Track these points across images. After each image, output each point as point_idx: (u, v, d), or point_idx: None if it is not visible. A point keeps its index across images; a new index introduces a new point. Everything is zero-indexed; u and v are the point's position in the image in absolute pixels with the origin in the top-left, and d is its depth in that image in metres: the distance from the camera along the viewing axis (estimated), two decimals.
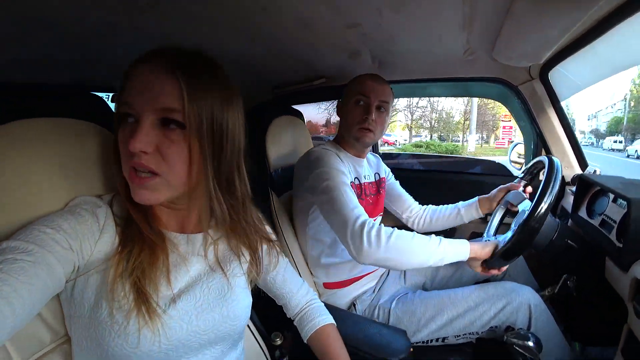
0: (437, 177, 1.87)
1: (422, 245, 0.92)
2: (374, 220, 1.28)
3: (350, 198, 1.00)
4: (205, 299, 0.62)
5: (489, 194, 1.30)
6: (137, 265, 0.54)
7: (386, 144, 16.89)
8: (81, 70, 1.27)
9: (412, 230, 1.23)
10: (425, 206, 1.44)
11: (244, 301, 0.69)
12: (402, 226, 1.34)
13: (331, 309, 0.93)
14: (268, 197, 1.23)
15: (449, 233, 1.74)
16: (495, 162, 2.68)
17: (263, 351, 0.92)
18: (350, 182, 1.14)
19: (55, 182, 0.59)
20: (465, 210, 1.33)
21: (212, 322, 0.62)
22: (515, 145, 1.76)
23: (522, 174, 1.27)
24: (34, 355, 0.56)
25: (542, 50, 1.03)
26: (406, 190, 1.47)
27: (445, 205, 1.40)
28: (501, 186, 1.27)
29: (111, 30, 0.93)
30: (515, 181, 1.26)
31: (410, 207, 1.44)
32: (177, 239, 0.64)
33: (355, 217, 0.95)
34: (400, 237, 0.91)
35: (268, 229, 0.81)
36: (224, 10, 0.85)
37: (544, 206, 0.87)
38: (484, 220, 1.65)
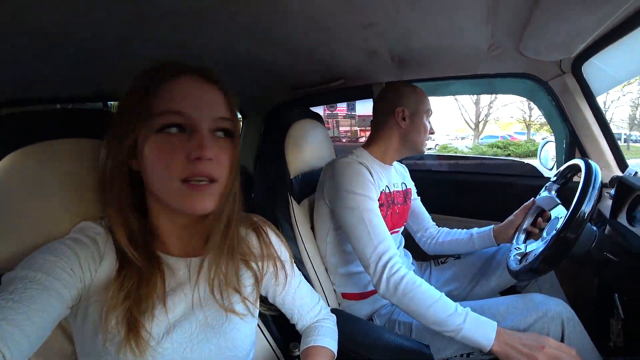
0: (460, 179, 1.79)
1: (439, 313, 0.88)
2: (395, 232, 1.25)
3: (378, 230, 0.99)
4: (202, 330, 0.60)
5: (504, 222, 1.23)
6: (130, 294, 0.53)
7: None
8: (100, 82, 1.31)
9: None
10: (439, 228, 1.42)
11: (245, 329, 0.66)
12: None
13: (350, 318, 0.89)
14: (287, 204, 1.21)
15: None
16: (524, 162, 2.56)
17: None
18: (381, 192, 1.13)
19: (67, 203, 0.60)
20: (479, 238, 1.28)
21: (208, 353, 0.59)
22: (545, 144, 1.66)
23: (555, 177, 1.18)
24: None
25: (574, 42, 0.95)
26: (428, 192, 1.42)
27: (460, 230, 1.36)
28: (516, 211, 1.21)
29: (126, 43, 0.94)
30: (547, 184, 1.17)
31: (426, 227, 1.42)
32: (177, 264, 0.61)
33: (380, 254, 0.96)
34: (418, 297, 0.91)
35: (282, 248, 0.78)
36: (237, 15, 0.84)
37: (581, 215, 0.79)
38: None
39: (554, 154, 1.57)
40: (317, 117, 1.51)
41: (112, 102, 1.79)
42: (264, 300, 0.77)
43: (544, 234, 0.93)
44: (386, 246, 0.97)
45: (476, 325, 0.86)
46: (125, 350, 0.51)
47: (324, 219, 1.16)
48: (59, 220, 0.59)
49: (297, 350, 0.88)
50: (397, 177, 1.30)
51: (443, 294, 0.92)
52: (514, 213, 1.21)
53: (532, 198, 1.20)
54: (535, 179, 1.53)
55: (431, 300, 0.90)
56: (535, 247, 0.93)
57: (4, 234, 0.55)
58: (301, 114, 1.42)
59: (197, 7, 0.77)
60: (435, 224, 1.44)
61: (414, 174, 1.45)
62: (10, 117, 0.60)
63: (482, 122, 17.11)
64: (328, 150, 1.48)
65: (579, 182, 0.89)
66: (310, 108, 1.53)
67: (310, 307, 0.83)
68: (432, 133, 1.23)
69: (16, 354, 0.40)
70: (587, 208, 0.80)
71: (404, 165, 1.44)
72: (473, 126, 17.05)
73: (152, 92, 0.53)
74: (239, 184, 0.62)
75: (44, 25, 0.76)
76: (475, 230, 1.31)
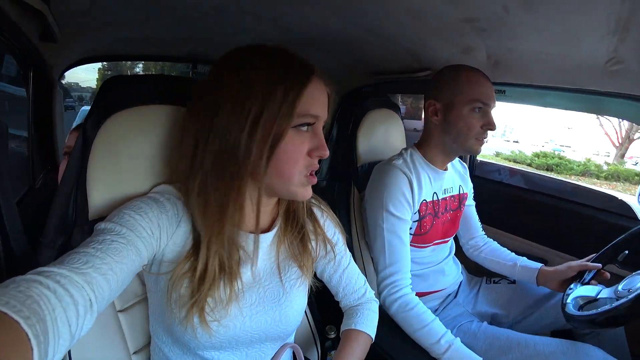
0: (536, 199, 1.63)
1: (423, 339, 0.93)
2: (446, 241, 1.20)
3: (393, 251, 1.02)
4: (261, 301, 0.66)
5: (554, 269, 1.11)
6: (198, 266, 0.58)
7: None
8: (195, 45, 1.40)
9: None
10: (486, 240, 1.35)
11: (298, 305, 0.72)
12: None
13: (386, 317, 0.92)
14: (348, 191, 1.21)
15: None
16: (617, 198, 2.24)
17: (315, 340, 0.94)
18: (424, 202, 1.08)
19: (161, 164, 0.67)
20: (522, 270, 1.20)
21: (264, 324, 0.66)
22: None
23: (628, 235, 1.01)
24: (129, 302, 0.69)
25: None
26: (495, 207, 1.32)
27: (505, 253, 1.29)
28: (575, 265, 1.06)
29: (222, 12, 0.98)
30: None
31: (474, 237, 1.34)
32: (247, 239, 0.66)
33: (388, 274, 1.02)
34: (407, 320, 0.97)
35: (337, 230, 0.81)
36: None
37: None
38: None
39: None
40: (394, 106, 1.47)
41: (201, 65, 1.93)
42: (313, 274, 0.81)
43: (620, 287, 0.82)
44: (396, 269, 1.02)
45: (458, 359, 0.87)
46: (187, 321, 0.58)
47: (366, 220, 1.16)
48: (144, 179, 0.66)
49: (332, 332, 0.93)
50: (452, 180, 1.21)
51: (437, 319, 0.93)
52: (570, 265, 1.07)
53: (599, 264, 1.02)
54: (624, 218, 1.34)
55: (419, 326, 0.94)
56: (606, 295, 0.83)
57: (102, 187, 0.63)
58: (379, 102, 1.39)
59: None
60: (484, 234, 1.36)
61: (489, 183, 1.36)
62: (114, 81, 0.67)
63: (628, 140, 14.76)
64: (400, 142, 1.44)
65: None
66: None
67: (355, 289, 0.86)
68: (491, 129, 1.03)
69: (100, 298, 0.44)
70: None
71: (464, 165, 1.33)
72: (617, 144, 15.04)
73: (300, 91, 0.56)
74: None
75: None
76: (521, 260, 1.21)
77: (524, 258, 1.23)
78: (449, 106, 1.04)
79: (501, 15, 0.81)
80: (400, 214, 1.02)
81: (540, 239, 1.54)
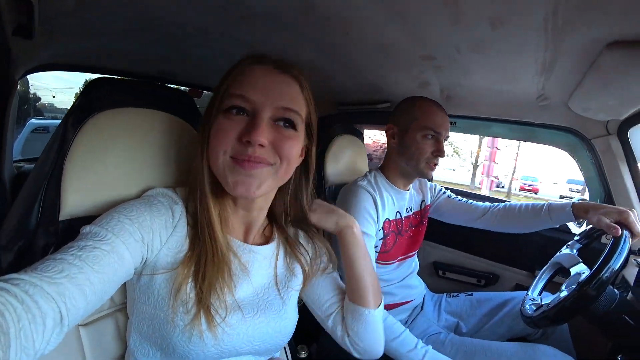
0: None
1: (399, 348, 0.94)
2: (410, 257, 1.28)
3: None
4: (262, 313, 0.65)
5: (592, 203, 1.10)
6: (202, 271, 0.57)
7: None
8: (171, 65, 1.41)
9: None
10: (500, 204, 1.31)
11: (294, 318, 0.72)
12: None
13: None
14: None
15: (492, 279, 1.66)
16: None
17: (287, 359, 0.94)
18: (387, 220, 1.14)
19: (143, 166, 0.66)
20: (556, 210, 1.15)
21: (266, 335, 0.65)
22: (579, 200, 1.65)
23: (578, 237, 1.16)
24: (91, 317, 0.63)
25: (625, 106, 0.98)
26: (449, 228, 1.42)
27: (527, 203, 1.26)
28: (609, 208, 1.01)
29: (203, 34, 1.03)
30: (569, 242, 1.14)
31: (479, 215, 1.31)
32: (240, 248, 0.65)
33: None
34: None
35: (323, 250, 0.81)
36: (310, 27, 0.90)
37: (605, 274, 0.81)
38: (532, 274, 1.56)
39: None
40: (357, 133, 1.58)
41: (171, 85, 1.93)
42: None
43: (563, 287, 0.95)
44: None
45: None
46: (194, 325, 0.55)
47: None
48: (129, 181, 0.65)
49: (304, 352, 0.94)
50: (414, 198, 1.29)
51: (407, 330, 0.97)
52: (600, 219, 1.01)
53: (573, 239, 1.13)
54: (561, 232, 1.52)
55: (393, 335, 0.95)
56: (552, 299, 0.94)
57: (79, 187, 0.59)
58: (344, 129, 1.49)
59: (276, 14, 0.84)
60: (487, 203, 1.34)
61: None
62: (99, 82, 0.66)
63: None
64: (363, 167, 1.54)
65: (603, 245, 0.91)
66: None
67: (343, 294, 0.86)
68: (440, 155, 1.11)
69: (72, 311, 0.41)
70: (613, 267, 0.82)
71: (424, 180, 1.38)
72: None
73: (229, 78, 0.58)
74: (305, 184, 0.70)
75: (141, 3, 0.84)
76: (549, 202, 1.20)
77: (549, 202, 1.21)
78: (405, 131, 1.13)
79: (454, 55, 0.95)
80: (365, 230, 1.07)
81: (491, 256, 1.68)
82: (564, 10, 0.60)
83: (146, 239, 0.54)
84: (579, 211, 1.10)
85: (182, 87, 1.91)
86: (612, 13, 0.59)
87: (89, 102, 0.62)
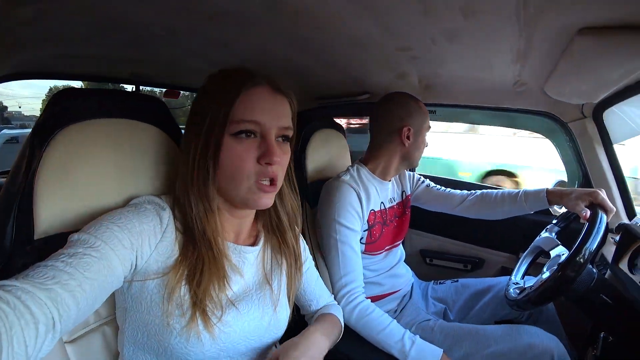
0: None
1: (388, 339, 0.96)
2: (396, 246, 1.29)
3: (347, 262, 1.07)
4: (257, 308, 0.67)
5: (564, 189, 1.14)
6: (197, 274, 0.58)
7: None
8: (144, 67, 1.37)
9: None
10: (477, 191, 1.34)
11: (286, 311, 0.75)
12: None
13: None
14: (302, 208, 1.26)
15: (478, 264, 1.69)
16: None
17: None
18: (372, 211, 1.16)
19: (119, 177, 0.65)
20: (531, 197, 1.19)
21: (261, 329, 0.67)
22: (557, 183, 1.68)
23: (556, 220, 1.19)
24: (77, 333, 0.62)
25: (598, 90, 0.99)
26: (433, 214, 1.44)
27: (504, 190, 1.30)
28: (580, 191, 1.06)
29: (172, 35, 0.99)
30: (548, 226, 1.18)
31: (458, 203, 1.35)
32: (233, 251, 0.68)
33: (344, 284, 1.06)
34: (370, 323, 1.00)
35: (304, 244, 0.86)
36: (281, 22, 0.88)
37: (584, 255, 0.83)
38: (516, 257, 1.60)
39: None
40: (339, 127, 1.56)
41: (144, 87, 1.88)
42: None
43: (544, 269, 0.96)
44: (351, 278, 1.06)
45: (421, 352, 0.93)
46: (191, 327, 0.56)
47: (321, 234, 1.21)
48: (105, 194, 0.63)
49: None
50: (395, 189, 1.32)
51: (394, 320, 1.00)
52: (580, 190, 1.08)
53: (551, 223, 1.19)
54: (544, 215, 1.55)
55: (381, 327, 0.98)
56: (534, 282, 0.96)
57: (53, 204, 0.58)
58: (324, 123, 1.48)
59: (243, 11, 0.82)
60: (465, 191, 1.38)
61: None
62: (66, 93, 0.64)
63: None
64: (345, 162, 1.53)
65: (581, 226, 0.93)
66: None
67: (327, 295, 0.93)
68: (426, 146, 1.25)
69: (65, 317, 0.41)
70: (590, 248, 0.84)
71: (403, 171, 1.39)
72: None
73: (231, 100, 0.59)
74: (289, 182, 0.74)
75: (103, 7, 0.80)
76: (525, 189, 1.24)
77: (524, 189, 1.25)
78: (419, 131, 1.19)
79: (429, 46, 0.94)
80: (351, 225, 1.09)
81: (476, 241, 1.71)
82: None
83: (135, 245, 0.54)
84: (553, 197, 1.15)
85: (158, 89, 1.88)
86: (581, 0, 0.59)
87: (56, 116, 0.60)
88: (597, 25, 0.67)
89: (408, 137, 1.18)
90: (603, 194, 1.01)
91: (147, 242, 0.56)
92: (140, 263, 0.55)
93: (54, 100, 0.61)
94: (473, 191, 1.35)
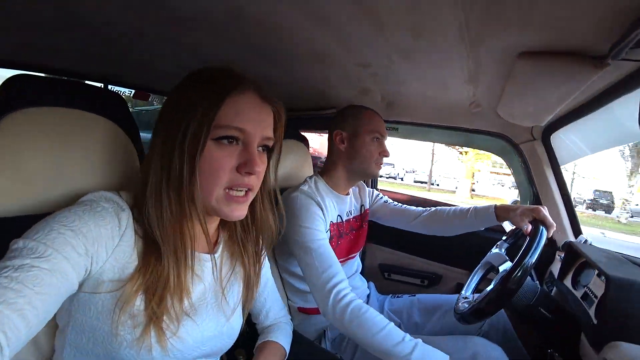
0: None
1: (386, 341, 0.87)
2: (351, 258, 1.29)
3: (324, 258, 1.02)
4: (210, 317, 0.65)
5: (511, 205, 1.18)
6: (158, 289, 0.55)
7: None
8: (107, 65, 1.34)
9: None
10: (431, 208, 1.37)
11: (239, 321, 0.73)
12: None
13: (300, 337, 0.92)
14: None
15: (435, 280, 1.72)
16: None
17: None
18: (331, 223, 1.16)
19: (67, 169, 0.62)
20: (481, 213, 1.22)
21: (214, 339, 0.66)
22: (513, 202, 1.76)
23: (505, 237, 1.23)
24: None
25: (542, 114, 1.05)
26: (393, 231, 1.45)
27: (456, 207, 1.33)
28: (524, 207, 1.11)
29: (139, 36, 0.98)
30: (498, 242, 1.22)
31: (412, 219, 1.37)
32: (191, 258, 0.63)
33: (326, 280, 0.98)
34: (364, 324, 0.89)
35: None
36: (249, 33, 0.89)
37: (523, 267, 0.86)
38: (470, 273, 1.63)
39: None
40: (303, 139, 1.57)
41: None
42: None
43: (492, 284, 0.99)
44: (333, 272, 0.99)
45: (426, 356, 0.84)
46: (143, 339, 0.53)
47: (282, 242, 1.18)
48: (50, 186, 0.61)
49: (241, 357, 0.91)
50: (353, 203, 1.32)
51: (391, 323, 0.91)
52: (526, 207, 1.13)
53: (501, 239, 1.22)
54: (497, 233, 1.61)
55: (377, 328, 0.88)
56: (480, 296, 0.99)
57: (7, 184, 0.56)
58: (289, 134, 1.48)
59: (213, 18, 0.81)
60: (421, 209, 1.39)
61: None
62: (17, 78, 0.61)
63: None
64: (308, 172, 1.53)
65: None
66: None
67: (278, 309, 0.90)
68: (386, 155, 1.21)
69: (13, 339, 0.38)
70: (529, 262, 0.87)
71: (362, 183, 1.42)
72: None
73: (218, 103, 0.56)
74: (264, 193, 0.72)
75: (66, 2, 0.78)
76: (475, 206, 1.28)
77: (474, 205, 1.28)
78: (354, 135, 1.18)
79: (387, 63, 0.97)
80: (318, 227, 1.07)
81: (434, 257, 1.74)
82: (473, 21, 0.63)
83: (90, 251, 0.50)
84: (500, 212, 1.19)
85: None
86: (515, 25, 0.63)
87: (5, 100, 0.57)
88: (533, 50, 0.72)
89: (342, 142, 1.19)
90: (545, 210, 1.05)
91: (103, 247, 0.52)
92: (94, 268, 0.51)
93: (6, 84, 0.59)
94: (427, 208, 1.38)
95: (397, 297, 1.41)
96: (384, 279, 1.80)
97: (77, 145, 0.64)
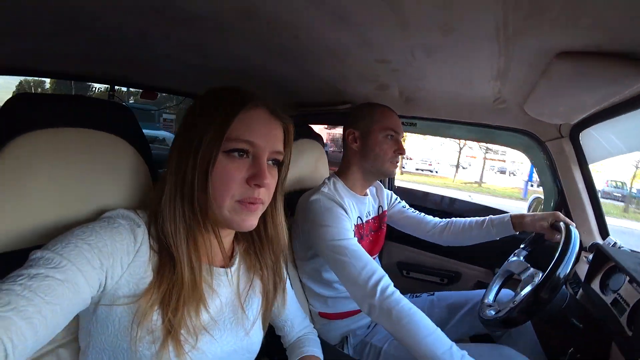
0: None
1: (434, 347, 0.81)
2: (374, 258, 1.25)
3: (358, 255, 0.97)
4: (229, 332, 0.65)
5: (528, 213, 1.19)
6: (172, 300, 0.55)
7: None
8: (113, 67, 1.32)
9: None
10: (447, 219, 1.36)
11: (259, 335, 0.72)
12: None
13: (324, 343, 0.91)
14: None
15: (454, 278, 1.68)
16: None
17: None
18: (354, 225, 1.13)
19: (80, 190, 0.61)
20: (497, 223, 1.23)
21: (234, 353, 0.65)
22: (534, 199, 1.69)
23: (524, 244, 1.18)
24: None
25: (575, 112, 1.00)
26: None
27: (472, 219, 1.32)
28: (541, 214, 1.13)
29: (142, 37, 0.96)
30: (516, 251, 1.18)
31: (429, 229, 1.36)
32: (207, 271, 0.64)
33: (367, 277, 0.92)
34: (413, 326, 0.84)
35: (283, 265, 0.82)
36: (258, 30, 0.85)
37: (557, 277, 0.82)
38: (491, 271, 1.60)
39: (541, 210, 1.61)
40: (317, 137, 1.53)
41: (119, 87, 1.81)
42: None
43: (518, 289, 0.95)
44: (373, 268, 0.94)
45: None
46: (161, 355, 0.53)
47: (303, 248, 1.16)
48: (69, 206, 0.60)
49: None
50: (372, 204, 1.29)
51: (438, 327, 0.87)
52: (541, 214, 1.15)
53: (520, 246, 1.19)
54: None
55: (426, 332, 0.83)
56: (508, 302, 0.95)
57: (3, 220, 0.54)
58: (301, 133, 1.44)
59: (216, 17, 0.78)
60: (438, 219, 1.39)
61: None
62: (20, 98, 0.59)
63: None
64: (324, 172, 1.49)
65: (548, 248, 0.92)
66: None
67: (301, 319, 0.90)
68: (401, 153, 1.16)
69: (20, 347, 0.38)
70: (564, 271, 0.83)
71: (379, 184, 1.40)
72: None
73: (230, 118, 0.58)
74: (276, 206, 0.72)
75: (74, 5, 0.76)
76: (491, 216, 1.28)
77: (490, 216, 1.28)
78: (367, 133, 1.14)
79: (409, 59, 0.92)
80: (345, 225, 1.04)
81: (453, 255, 1.70)
82: (513, 20, 0.58)
83: (106, 265, 0.50)
84: (516, 220, 1.19)
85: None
86: (559, 24, 0.57)
87: (8, 124, 0.55)
88: (575, 50, 0.66)
89: (355, 141, 1.16)
90: (562, 214, 1.06)
91: (118, 262, 0.52)
92: (110, 283, 0.52)
93: (9, 106, 0.57)
94: (445, 219, 1.37)
95: (416, 296, 1.38)
96: (402, 277, 1.77)
97: (88, 165, 0.62)
